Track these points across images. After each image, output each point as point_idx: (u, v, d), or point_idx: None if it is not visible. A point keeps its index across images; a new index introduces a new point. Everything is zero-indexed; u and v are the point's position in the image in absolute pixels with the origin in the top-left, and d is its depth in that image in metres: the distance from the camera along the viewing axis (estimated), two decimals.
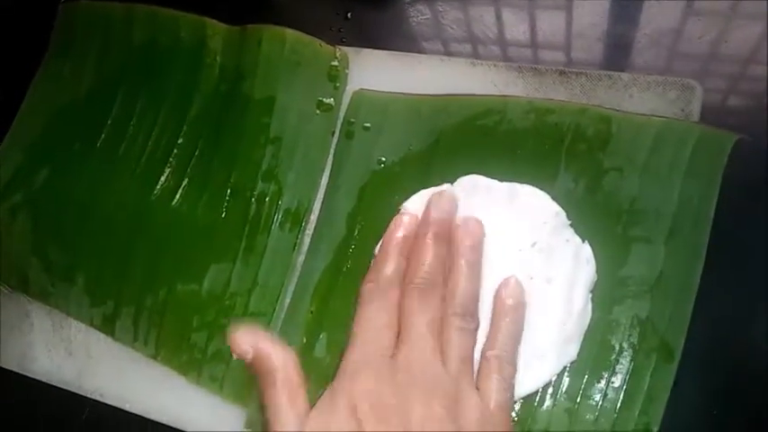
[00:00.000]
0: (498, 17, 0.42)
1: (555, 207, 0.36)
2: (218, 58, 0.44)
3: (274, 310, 0.39)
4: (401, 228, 0.36)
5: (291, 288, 0.39)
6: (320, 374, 0.37)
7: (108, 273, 0.42)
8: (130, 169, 0.44)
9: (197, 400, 0.39)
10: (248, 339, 0.30)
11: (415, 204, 0.37)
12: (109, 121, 0.45)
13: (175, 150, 0.43)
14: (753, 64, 0.38)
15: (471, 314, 0.33)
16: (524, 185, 0.36)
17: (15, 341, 0.44)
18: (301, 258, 0.40)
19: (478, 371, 0.33)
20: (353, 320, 0.34)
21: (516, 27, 0.41)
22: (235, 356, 0.31)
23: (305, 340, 0.38)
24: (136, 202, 0.43)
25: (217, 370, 0.39)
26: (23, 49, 0.50)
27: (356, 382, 0.30)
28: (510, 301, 0.34)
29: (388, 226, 0.36)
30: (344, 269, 0.38)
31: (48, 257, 0.44)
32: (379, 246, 0.37)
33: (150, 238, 0.42)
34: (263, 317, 0.39)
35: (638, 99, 0.37)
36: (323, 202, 0.40)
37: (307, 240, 0.40)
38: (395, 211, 0.38)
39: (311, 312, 0.38)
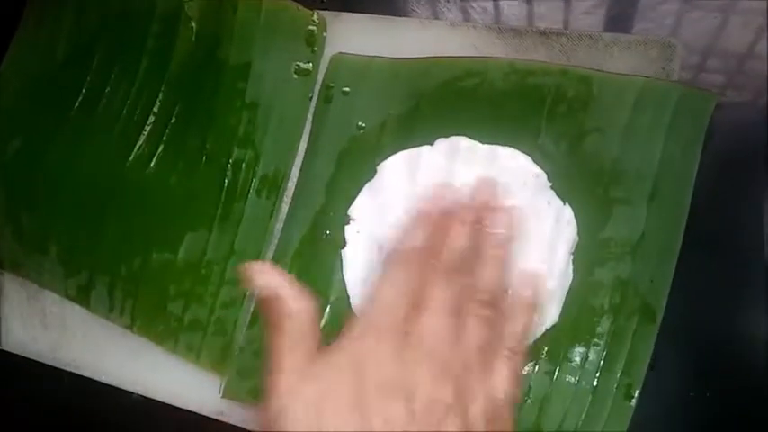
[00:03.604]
0: None
1: (535, 169, 0.35)
2: (193, 24, 0.43)
3: None
4: (442, 200, 0.34)
5: (269, 255, 0.39)
6: None
7: (82, 242, 0.41)
8: (105, 136, 0.43)
9: (173, 370, 0.38)
10: (268, 278, 0.28)
11: (392, 165, 0.37)
12: (83, 89, 0.44)
13: (151, 117, 0.42)
14: (734, 27, 0.37)
15: (494, 305, 0.31)
16: (505, 147, 0.36)
17: None
18: (279, 225, 0.39)
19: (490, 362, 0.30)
20: (377, 282, 0.32)
21: None
22: (243, 286, 0.29)
23: None
24: (110, 170, 0.42)
25: (193, 339, 0.38)
26: None
27: (364, 347, 0.28)
28: (528, 293, 0.33)
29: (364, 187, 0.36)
30: (323, 236, 0.38)
31: (20, 227, 0.43)
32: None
33: (124, 206, 0.41)
34: (240, 285, 0.38)
35: (620, 58, 0.36)
36: (301, 169, 0.40)
37: (284, 207, 0.39)
38: (373, 175, 0.37)
39: None
